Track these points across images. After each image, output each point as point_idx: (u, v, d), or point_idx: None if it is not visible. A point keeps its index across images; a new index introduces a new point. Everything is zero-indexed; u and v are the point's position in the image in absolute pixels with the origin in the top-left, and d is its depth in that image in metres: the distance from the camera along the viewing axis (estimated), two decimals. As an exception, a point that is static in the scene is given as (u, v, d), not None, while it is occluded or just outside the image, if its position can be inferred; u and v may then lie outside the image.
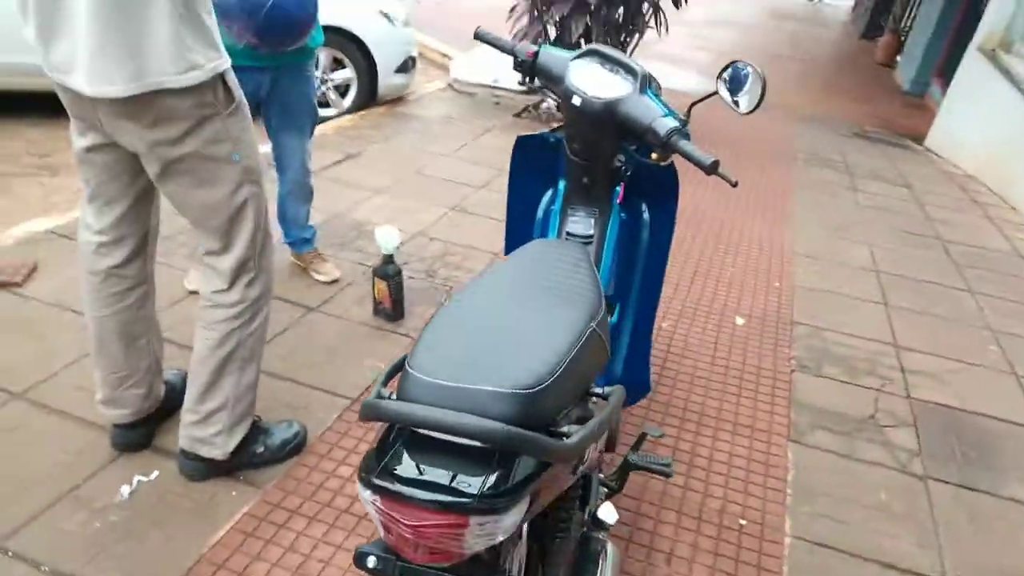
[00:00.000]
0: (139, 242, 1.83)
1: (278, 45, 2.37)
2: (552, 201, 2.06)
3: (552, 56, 1.86)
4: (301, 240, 3.05)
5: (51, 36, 1.50)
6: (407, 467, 0.95)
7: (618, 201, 1.95)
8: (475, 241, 3.51)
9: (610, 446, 1.80)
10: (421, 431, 0.97)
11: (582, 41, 5.13)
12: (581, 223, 1.94)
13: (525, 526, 1.43)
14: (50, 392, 2.21)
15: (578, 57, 1.83)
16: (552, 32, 5.31)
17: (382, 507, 0.92)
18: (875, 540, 2.04)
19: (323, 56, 5.23)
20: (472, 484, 0.93)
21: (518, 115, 5.91)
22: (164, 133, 1.56)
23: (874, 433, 2.48)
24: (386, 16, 5.53)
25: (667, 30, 5.49)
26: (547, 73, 1.85)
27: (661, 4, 5.39)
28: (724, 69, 1.74)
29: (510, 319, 1.22)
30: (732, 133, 6.12)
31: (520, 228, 2.11)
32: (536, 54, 1.87)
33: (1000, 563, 2.02)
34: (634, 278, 2.05)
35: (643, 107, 1.71)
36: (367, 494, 0.93)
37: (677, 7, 5.48)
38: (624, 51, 5.71)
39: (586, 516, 1.54)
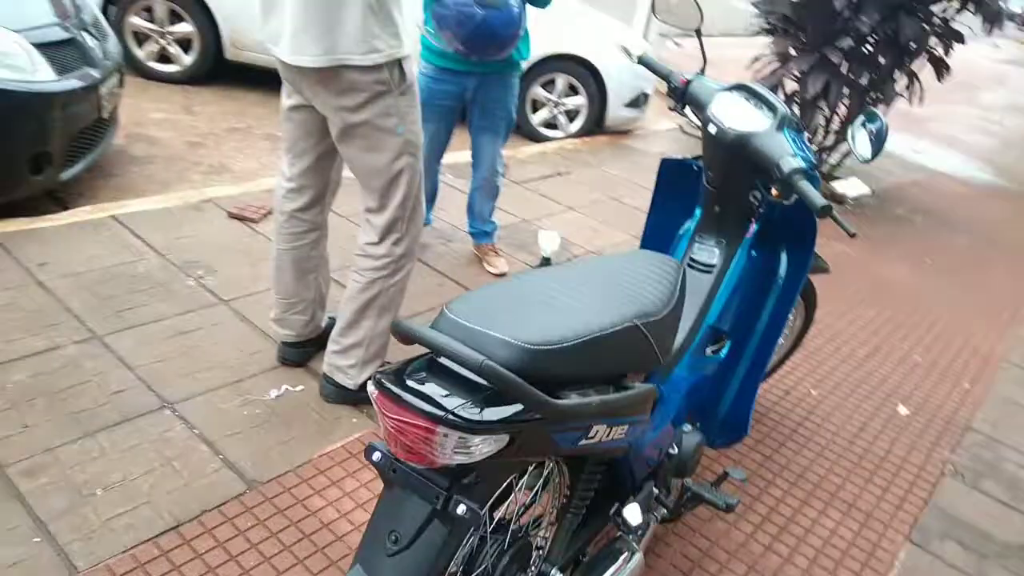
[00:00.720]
0: (318, 193, 2.19)
1: (482, 54, 2.66)
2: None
3: (703, 86, 1.94)
4: (482, 232, 3.35)
5: (268, 13, 1.90)
6: (412, 378, 1.11)
7: (748, 236, 1.96)
8: (647, 270, 3.57)
9: (681, 471, 1.81)
10: (440, 359, 1.12)
11: (820, 100, 4.97)
12: (705, 251, 1.98)
13: (551, 505, 1.52)
14: (248, 306, 2.69)
15: (726, 89, 1.89)
16: (789, 85, 5.19)
17: (377, 400, 1.09)
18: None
19: (560, 81, 5.58)
20: (452, 402, 1.07)
21: (741, 166, 5.83)
22: (347, 100, 1.88)
23: (1020, 565, 2.17)
24: (626, 51, 5.77)
25: (921, 101, 5.12)
26: (696, 101, 1.92)
27: (920, 74, 5.05)
28: (858, 117, 1.73)
29: (560, 296, 1.33)
30: (986, 223, 5.51)
31: (653, 248, 2.16)
32: (689, 82, 1.96)
33: None
34: (756, 319, 2.02)
35: (775, 143, 1.74)
36: (371, 388, 1.10)
37: (940, 79, 5.09)
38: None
39: (611, 511, 1.58)
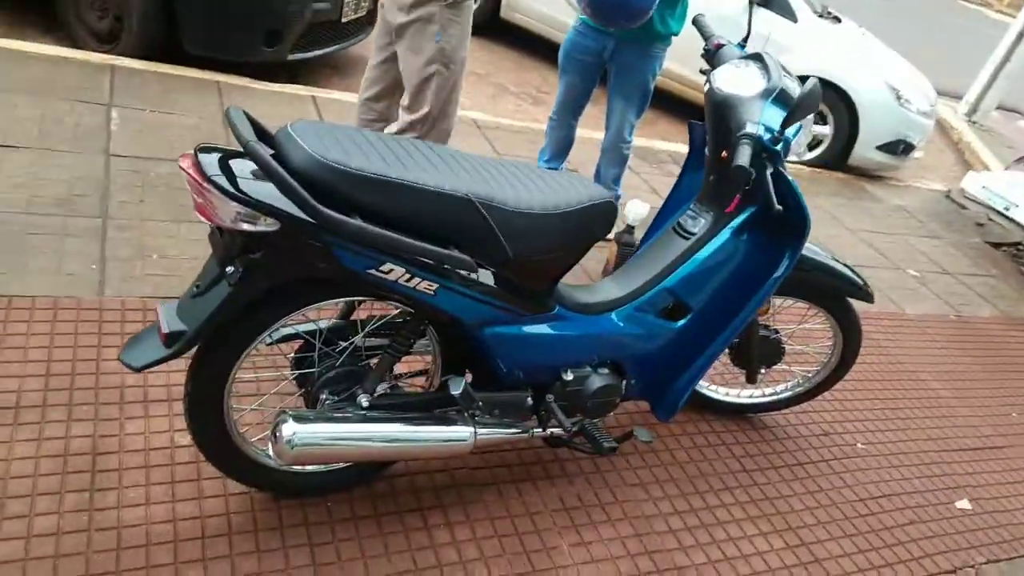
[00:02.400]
0: (386, 88, 2.47)
1: (608, 22, 2.69)
2: None
3: (731, 51, 1.97)
4: (603, 196, 3.39)
5: None
6: (233, 156, 1.32)
7: (734, 213, 1.86)
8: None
9: (573, 403, 1.81)
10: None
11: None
12: (691, 219, 1.95)
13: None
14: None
15: (745, 57, 1.87)
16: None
17: (185, 159, 1.31)
18: None
19: (808, 105, 5.25)
20: (238, 174, 1.26)
21: (995, 245, 4.99)
22: (400, 1, 2.16)
23: None
24: (895, 92, 5.23)
25: None
26: (718, 63, 1.92)
27: None
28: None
29: (423, 158, 1.42)
30: None
31: (668, 210, 2.10)
32: (721, 46, 1.96)
33: None
34: (724, 305, 1.89)
35: (749, 108, 1.73)
36: (190, 151, 1.33)
37: None
38: None
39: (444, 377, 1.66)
